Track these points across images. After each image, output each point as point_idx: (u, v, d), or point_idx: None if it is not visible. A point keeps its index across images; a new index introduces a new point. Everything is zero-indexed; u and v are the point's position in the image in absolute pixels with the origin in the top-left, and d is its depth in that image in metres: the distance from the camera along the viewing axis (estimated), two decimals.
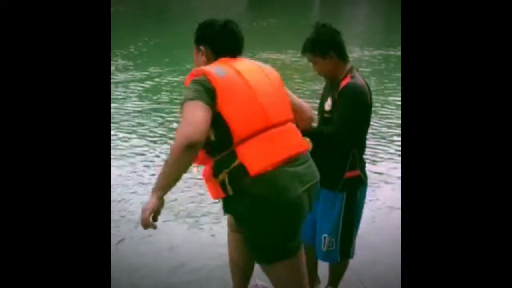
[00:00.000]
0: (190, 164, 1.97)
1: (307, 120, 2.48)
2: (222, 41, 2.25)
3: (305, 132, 2.43)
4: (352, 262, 3.08)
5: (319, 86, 9.16)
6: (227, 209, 2.15)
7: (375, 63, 11.76)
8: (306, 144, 2.25)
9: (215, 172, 2.06)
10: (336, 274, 3.08)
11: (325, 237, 2.84)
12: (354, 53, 11.93)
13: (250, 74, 2.16)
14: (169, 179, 1.95)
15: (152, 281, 3.37)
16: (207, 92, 2.00)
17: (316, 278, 3.24)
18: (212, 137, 2.05)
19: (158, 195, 1.95)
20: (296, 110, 2.34)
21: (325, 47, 2.66)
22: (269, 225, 2.06)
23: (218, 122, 2.02)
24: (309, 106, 2.53)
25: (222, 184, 2.04)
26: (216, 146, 2.06)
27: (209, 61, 2.24)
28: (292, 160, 2.08)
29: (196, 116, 1.94)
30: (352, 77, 2.67)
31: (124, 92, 8.80)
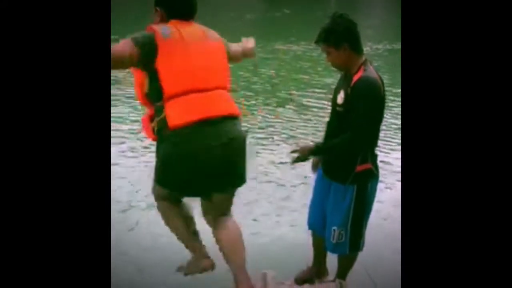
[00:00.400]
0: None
1: (248, 51, 2.91)
2: (174, 5, 2.45)
3: (326, 150, 2.52)
4: (360, 255, 3.09)
5: (332, 79, 9.18)
6: (156, 151, 2.49)
7: (387, 57, 11.69)
8: (232, 109, 2.48)
9: (152, 117, 2.41)
10: (345, 266, 3.09)
11: (334, 229, 2.84)
12: (367, 47, 11.86)
13: (192, 40, 2.38)
14: None
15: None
16: (149, 44, 2.28)
17: (324, 270, 3.25)
18: (146, 89, 2.38)
19: None
20: (239, 53, 2.82)
21: (340, 38, 2.62)
22: (173, 171, 2.41)
23: (153, 77, 2.31)
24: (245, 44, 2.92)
25: (154, 129, 2.40)
26: (151, 97, 2.39)
27: (162, 21, 2.46)
28: (212, 121, 2.36)
29: (117, 46, 2.25)
30: (365, 70, 2.63)
31: None
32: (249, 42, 3.00)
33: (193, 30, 2.44)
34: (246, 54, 2.94)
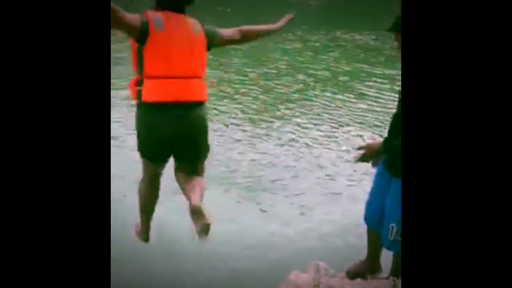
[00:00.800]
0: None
1: (240, 32, 3.10)
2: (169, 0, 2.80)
3: (394, 149, 2.45)
4: None
5: (394, 71, 8.99)
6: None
7: None
8: (200, 96, 2.83)
9: (137, 82, 2.76)
10: (399, 264, 3.02)
11: (393, 227, 2.77)
12: None
13: (178, 32, 2.74)
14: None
15: None
16: (143, 31, 2.66)
17: (378, 266, 3.19)
18: (134, 65, 2.77)
19: None
20: (237, 35, 3.08)
21: None
22: (140, 133, 2.85)
23: (140, 55, 2.70)
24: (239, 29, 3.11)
25: (137, 92, 2.76)
26: (139, 67, 2.74)
27: (156, 10, 2.79)
28: (180, 104, 2.75)
29: (128, 14, 2.65)
30: None
31: None
32: (284, 19, 3.30)
33: (181, 22, 2.78)
34: (269, 29, 3.28)
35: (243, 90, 8.17)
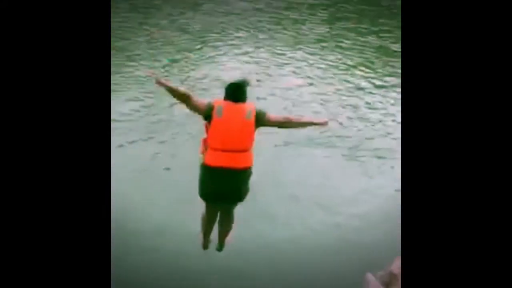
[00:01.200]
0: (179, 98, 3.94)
1: (299, 122, 4.26)
2: (230, 95, 3.97)
3: None
4: None
5: None
6: None
7: None
8: (245, 164, 3.96)
9: (205, 142, 4.00)
10: None
11: None
12: None
13: (233, 117, 3.86)
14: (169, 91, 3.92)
15: None
16: (209, 114, 3.91)
17: None
18: (205, 135, 4.01)
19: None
20: (283, 121, 4.12)
21: None
22: (201, 183, 4.10)
23: (206, 129, 3.98)
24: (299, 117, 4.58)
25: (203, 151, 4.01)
26: (206, 134, 4.01)
27: (223, 99, 3.99)
28: (230, 170, 3.90)
29: (199, 99, 4.02)
30: None
31: None
32: (321, 120, 4.33)
33: (238, 110, 3.89)
34: (311, 123, 4.28)
35: None
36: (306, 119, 4.51)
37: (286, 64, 10.39)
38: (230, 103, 3.86)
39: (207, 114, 3.81)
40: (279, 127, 4.13)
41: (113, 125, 5.58)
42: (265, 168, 6.14)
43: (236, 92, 3.93)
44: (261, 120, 3.91)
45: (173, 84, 3.85)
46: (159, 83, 3.79)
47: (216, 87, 8.48)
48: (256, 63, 10.24)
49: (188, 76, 9.46)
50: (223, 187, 3.92)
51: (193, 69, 9.73)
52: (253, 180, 3.99)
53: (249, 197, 4.05)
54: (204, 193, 4.08)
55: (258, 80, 9.01)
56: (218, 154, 3.83)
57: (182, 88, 3.92)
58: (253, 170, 3.99)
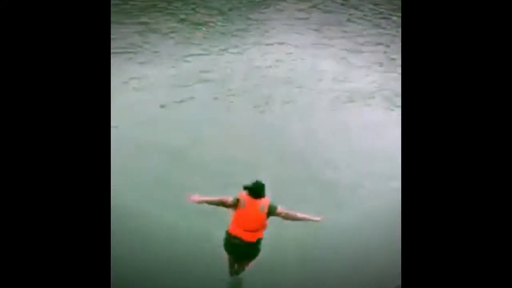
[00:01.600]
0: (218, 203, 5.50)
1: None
2: (252, 193, 5.39)
3: None
4: None
5: None
6: None
7: None
8: (257, 237, 5.48)
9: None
10: None
11: None
12: None
13: (252, 210, 5.36)
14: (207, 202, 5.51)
15: None
16: (235, 205, 5.40)
17: None
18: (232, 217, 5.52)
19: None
20: (283, 213, 5.49)
21: None
22: (224, 244, 5.66)
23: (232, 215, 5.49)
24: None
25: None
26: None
27: (246, 196, 5.46)
28: (245, 242, 5.46)
29: (228, 198, 5.51)
30: None
31: None
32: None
33: (256, 204, 5.36)
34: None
35: None
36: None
37: None
38: (251, 199, 5.37)
39: (235, 205, 5.35)
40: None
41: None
42: None
43: (258, 192, 5.39)
44: (272, 212, 5.41)
45: None
46: (200, 202, 5.34)
47: None
48: None
49: None
50: (239, 251, 5.55)
51: None
52: None
53: None
54: (227, 250, 5.66)
55: None
56: (239, 229, 5.42)
57: (215, 198, 5.34)
58: None
